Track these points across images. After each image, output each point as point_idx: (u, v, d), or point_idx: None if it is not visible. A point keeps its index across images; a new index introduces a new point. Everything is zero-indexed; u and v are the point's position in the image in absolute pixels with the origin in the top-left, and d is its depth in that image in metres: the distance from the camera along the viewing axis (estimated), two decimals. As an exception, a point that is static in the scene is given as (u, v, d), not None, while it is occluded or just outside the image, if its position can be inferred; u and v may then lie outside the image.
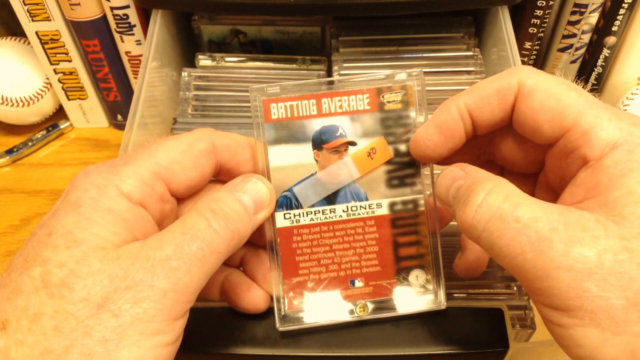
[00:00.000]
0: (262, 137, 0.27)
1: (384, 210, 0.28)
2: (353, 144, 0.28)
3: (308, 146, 0.28)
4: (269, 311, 0.29)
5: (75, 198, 0.22)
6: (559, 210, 0.21)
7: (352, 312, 0.28)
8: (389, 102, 0.28)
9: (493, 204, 0.21)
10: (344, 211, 0.28)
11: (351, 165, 0.28)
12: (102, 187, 0.23)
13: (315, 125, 0.28)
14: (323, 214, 0.28)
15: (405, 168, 0.28)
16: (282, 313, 0.28)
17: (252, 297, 0.28)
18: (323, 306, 0.28)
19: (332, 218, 0.28)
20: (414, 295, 0.29)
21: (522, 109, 0.24)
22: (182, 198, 0.27)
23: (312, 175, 0.28)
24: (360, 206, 0.28)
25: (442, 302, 0.28)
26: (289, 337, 0.28)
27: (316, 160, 0.28)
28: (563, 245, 0.20)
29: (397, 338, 0.28)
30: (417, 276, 0.29)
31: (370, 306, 0.28)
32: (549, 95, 0.23)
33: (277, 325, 0.28)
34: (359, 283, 0.28)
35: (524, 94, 0.24)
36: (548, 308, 0.21)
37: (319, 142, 0.28)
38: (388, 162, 0.28)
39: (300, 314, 0.28)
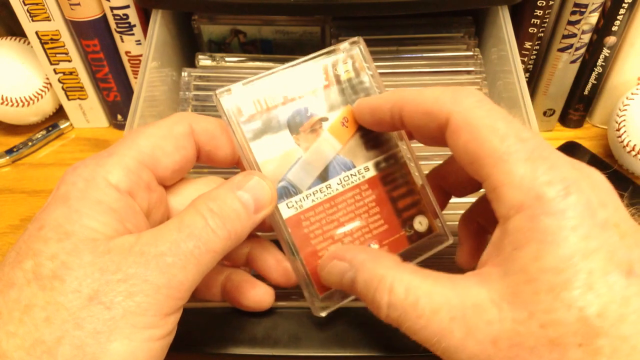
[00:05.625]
0: (242, 138, 0.27)
1: (372, 172, 0.29)
2: (325, 119, 0.29)
3: (286, 133, 0.28)
4: (270, 311, 0.29)
5: (64, 192, 0.23)
6: (457, 293, 0.21)
7: None
8: (341, 73, 0.29)
9: (397, 302, 0.22)
10: (338, 184, 0.29)
11: (331, 139, 0.29)
12: (90, 179, 0.23)
13: (286, 112, 0.28)
14: (321, 192, 0.28)
15: None
16: (317, 299, 0.28)
17: (257, 295, 0.28)
18: None
19: (330, 194, 0.29)
20: (424, 239, 0.30)
21: (450, 144, 0.23)
22: (172, 189, 0.27)
23: (299, 159, 0.28)
24: (351, 174, 0.29)
25: (449, 237, 0.30)
26: (289, 337, 0.28)
27: (298, 145, 0.28)
28: (462, 334, 0.21)
29: (398, 338, 0.28)
30: (420, 222, 0.30)
31: None
32: (473, 138, 0.22)
33: (315, 312, 0.28)
34: (374, 246, 0.29)
35: (451, 129, 0.23)
36: None
37: (294, 126, 0.28)
38: (361, 126, 0.29)
39: (333, 294, 0.28)
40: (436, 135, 0.24)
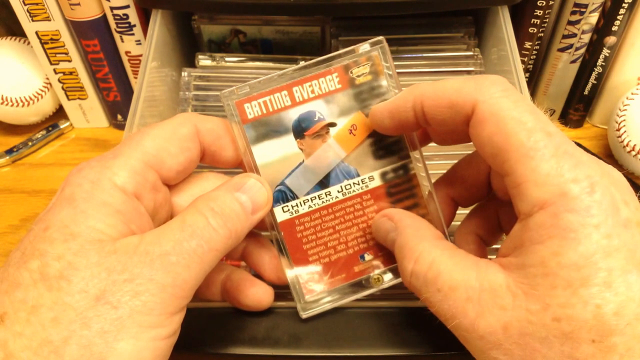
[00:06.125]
0: (243, 140, 0.27)
1: (377, 182, 0.29)
2: (333, 125, 0.28)
3: (290, 137, 0.28)
4: (270, 311, 0.29)
5: (69, 193, 0.23)
6: (477, 275, 0.22)
7: (368, 285, 0.29)
8: (358, 76, 0.28)
9: (420, 272, 0.24)
10: (338, 192, 0.28)
11: (336, 146, 0.28)
12: (95, 181, 0.23)
13: (292, 115, 0.28)
14: (319, 199, 0.28)
15: (388, 136, 0.28)
16: (302, 301, 0.28)
17: (256, 294, 0.28)
18: (339, 286, 0.29)
19: (329, 201, 0.28)
20: None
21: (473, 134, 0.23)
22: (175, 188, 0.27)
23: (300, 164, 0.28)
24: (354, 183, 0.29)
25: None
26: (289, 337, 0.28)
27: (301, 149, 0.28)
28: (475, 315, 0.21)
29: (397, 338, 0.28)
30: None
31: (384, 276, 0.29)
32: (499, 130, 0.22)
33: (300, 313, 0.28)
34: (368, 256, 0.29)
35: (476, 119, 0.22)
36: None
37: (299, 130, 0.28)
38: (370, 135, 0.28)
39: (319, 298, 0.29)
40: (461, 128, 0.24)
